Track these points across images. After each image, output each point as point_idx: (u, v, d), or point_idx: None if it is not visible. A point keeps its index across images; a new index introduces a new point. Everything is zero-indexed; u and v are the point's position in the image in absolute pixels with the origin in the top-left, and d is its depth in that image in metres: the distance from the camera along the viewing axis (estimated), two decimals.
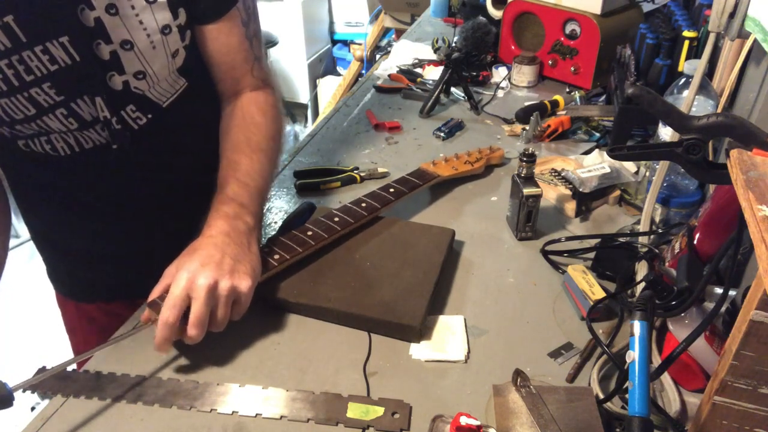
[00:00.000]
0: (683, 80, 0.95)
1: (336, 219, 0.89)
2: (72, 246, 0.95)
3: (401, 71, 1.62)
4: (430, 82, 1.53)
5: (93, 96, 0.76)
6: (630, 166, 1.09)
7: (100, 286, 0.99)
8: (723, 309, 0.63)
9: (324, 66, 3.94)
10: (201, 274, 0.69)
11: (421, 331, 0.77)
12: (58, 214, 0.91)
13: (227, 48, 0.88)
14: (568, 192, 1.05)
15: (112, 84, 0.77)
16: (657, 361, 0.72)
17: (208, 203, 0.81)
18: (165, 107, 0.85)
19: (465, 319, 0.81)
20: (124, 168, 0.85)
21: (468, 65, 1.55)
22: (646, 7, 1.52)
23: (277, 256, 0.81)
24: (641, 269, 0.84)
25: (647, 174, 1.05)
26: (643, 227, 0.92)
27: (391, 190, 0.98)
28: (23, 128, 0.76)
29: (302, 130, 3.81)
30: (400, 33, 2.85)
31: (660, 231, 0.93)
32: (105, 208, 0.90)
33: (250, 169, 0.84)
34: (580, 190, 1.02)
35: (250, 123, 0.89)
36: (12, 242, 2.88)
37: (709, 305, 0.68)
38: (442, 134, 1.29)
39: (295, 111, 3.89)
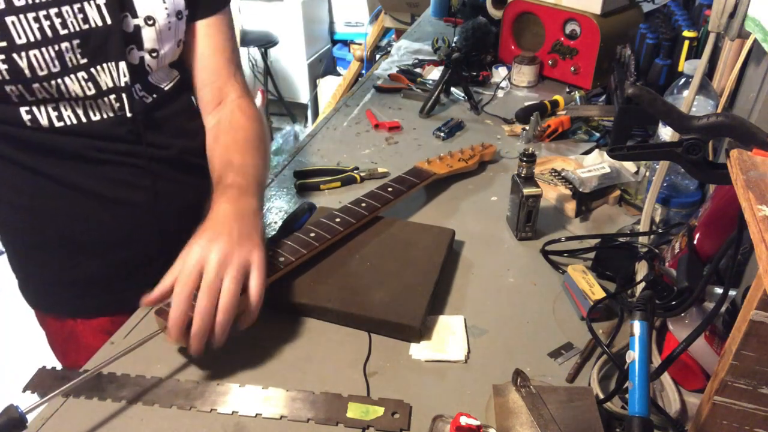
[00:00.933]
0: (683, 80, 0.95)
1: (337, 219, 0.90)
2: (69, 244, 0.91)
3: (401, 71, 1.62)
4: (430, 82, 1.53)
5: (117, 62, 0.80)
6: (630, 166, 1.09)
7: (102, 292, 0.96)
8: (723, 309, 0.63)
9: (324, 66, 3.94)
10: (212, 247, 0.69)
11: (421, 331, 0.77)
12: (54, 205, 0.88)
13: (216, 45, 0.92)
14: (568, 192, 1.05)
15: (130, 57, 0.82)
16: (657, 361, 0.72)
17: (205, 186, 0.83)
18: (166, 90, 0.89)
19: (465, 319, 0.81)
20: (126, 144, 0.86)
21: (468, 65, 1.55)
22: (646, 7, 1.52)
23: (282, 259, 0.81)
24: (641, 269, 0.84)
25: (647, 174, 1.05)
26: (643, 227, 0.92)
27: (390, 189, 0.98)
28: (40, 88, 0.77)
29: (302, 130, 3.80)
30: (400, 33, 2.85)
31: (660, 231, 0.93)
32: (104, 191, 0.88)
33: (243, 164, 0.85)
34: (580, 190, 1.02)
35: (237, 127, 0.90)
36: None
37: (709, 305, 0.68)
38: (442, 134, 1.29)
39: (295, 111, 3.89)
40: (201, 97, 0.94)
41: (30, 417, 0.62)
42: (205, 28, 0.90)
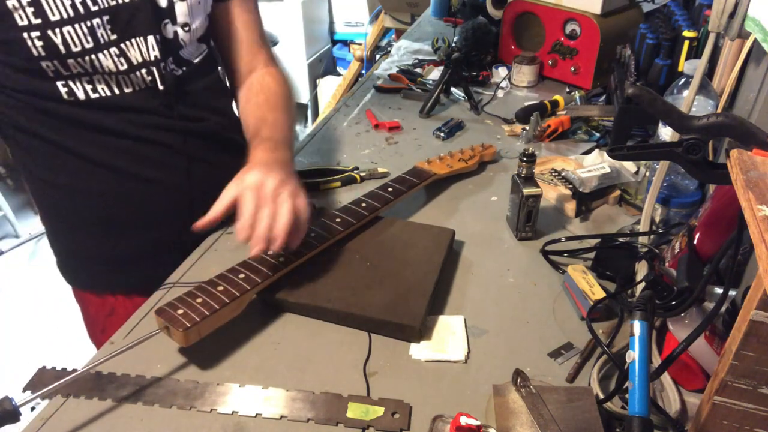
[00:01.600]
0: (683, 80, 0.95)
1: (338, 219, 0.90)
2: (106, 222, 0.94)
3: (401, 71, 1.62)
4: (430, 82, 1.53)
5: (146, 36, 0.82)
6: (630, 166, 1.09)
7: (135, 268, 0.98)
8: (723, 309, 0.63)
9: (324, 66, 3.93)
10: (267, 175, 0.76)
11: (421, 332, 0.77)
12: (90, 185, 0.90)
13: (247, 22, 0.99)
14: (568, 192, 1.05)
15: (165, 32, 0.85)
16: (657, 361, 0.72)
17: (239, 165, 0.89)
18: (195, 63, 0.92)
19: (465, 319, 0.81)
20: (160, 117, 0.88)
21: (468, 65, 1.55)
22: (646, 7, 1.52)
23: (282, 259, 0.81)
24: (641, 269, 0.84)
25: (647, 174, 1.05)
26: (643, 227, 0.92)
27: (390, 189, 0.98)
28: (75, 63, 0.79)
29: (302, 130, 3.80)
30: (400, 33, 2.85)
31: (660, 231, 0.93)
32: (139, 170, 0.90)
33: (275, 121, 0.91)
34: (580, 190, 1.02)
35: (267, 89, 0.98)
36: (12, 242, 2.89)
37: (709, 305, 0.68)
38: (442, 134, 1.29)
39: None
40: (233, 69, 1.01)
41: (24, 411, 0.62)
42: (235, 7, 0.96)
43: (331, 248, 0.87)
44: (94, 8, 0.77)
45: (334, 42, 3.99)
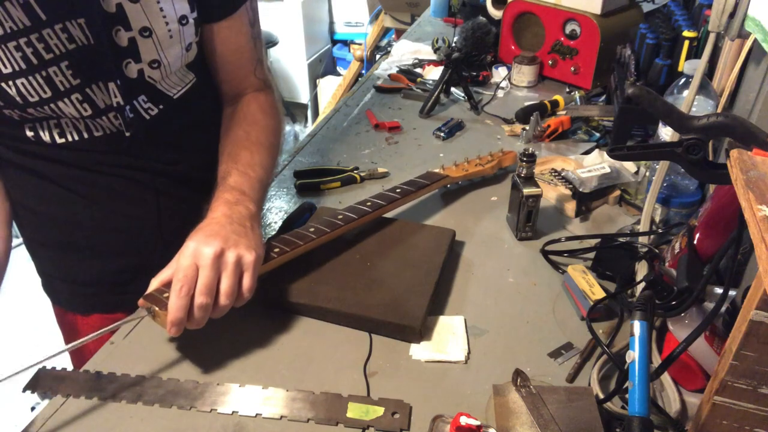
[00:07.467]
0: (683, 80, 0.95)
1: (340, 216, 0.89)
2: (68, 247, 0.93)
3: (401, 71, 1.62)
4: (430, 82, 1.53)
5: (106, 81, 0.78)
6: (630, 166, 1.09)
7: (99, 292, 0.97)
8: (723, 309, 0.63)
9: (324, 66, 3.94)
10: (206, 244, 0.70)
11: (421, 332, 0.77)
12: (57, 210, 0.90)
13: (235, 47, 0.91)
14: (568, 192, 1.05)
15: (127, 72, 0.79)
16: (657, 361, 0.72)
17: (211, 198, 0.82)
18: (175, 99, 0.87)
19: (465, 320, 0.81)
20: (131, 158, 0.86)
21: (468, 65, 1.55)
22: (646, 7, 1.52)
23: (277, 249, 0.81)
24: (641, 269, 0.84)
25: (647, 174, 1.05)
26: (643, 227, 0.92)
27: (398, 190, 0.97)
28: (35, 111, 0.76)
29: (302, 130, 3.81)
30: (400, 33, 2.86)
31: (660, 231, 0.93)
32: (108, 202, 0.89)
33: (250, 161, 0.85)
34: (580, 190, 1.02)
35: (251, 120, 0.91)
36: (12, 242, 2.88)
37: (709, 305, 0.68)
38: (442, 134, 1.29)
39: (295, 111, 3.89)
40: (222, 91, 0.96)
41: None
42: (222, 31, 0.88)
43: (331, 248, 0.87)
44: (48, 56, 0.72)
45: (334, 42, 4.00)
